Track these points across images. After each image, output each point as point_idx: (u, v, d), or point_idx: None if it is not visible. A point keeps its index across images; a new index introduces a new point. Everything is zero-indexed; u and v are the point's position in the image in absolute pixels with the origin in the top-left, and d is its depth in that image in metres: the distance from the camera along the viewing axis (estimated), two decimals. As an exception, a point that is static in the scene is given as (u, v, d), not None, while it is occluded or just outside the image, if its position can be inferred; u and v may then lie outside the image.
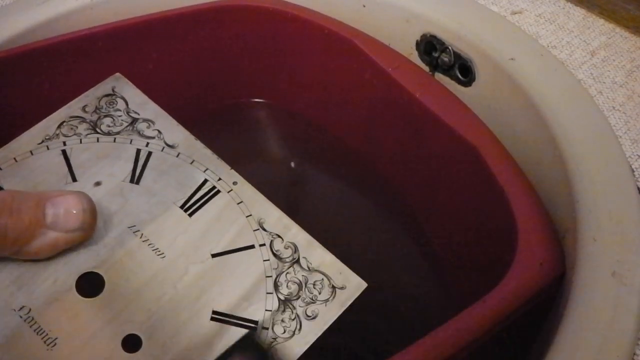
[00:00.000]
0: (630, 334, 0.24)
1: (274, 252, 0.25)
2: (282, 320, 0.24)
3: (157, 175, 0.26)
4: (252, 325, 0.23)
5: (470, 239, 0.36)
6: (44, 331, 0.22)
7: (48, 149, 0.26)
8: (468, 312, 0.26)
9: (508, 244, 0.29)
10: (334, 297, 0.24)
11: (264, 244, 0.25)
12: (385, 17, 0.40)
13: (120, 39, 0.38)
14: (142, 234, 0.24)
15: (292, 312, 0.24)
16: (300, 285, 0.24)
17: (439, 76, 0.39)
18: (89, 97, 0.28)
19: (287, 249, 0.25)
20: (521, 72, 0.34)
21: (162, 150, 0.27)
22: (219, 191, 0.26)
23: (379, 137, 0.41)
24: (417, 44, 0.39)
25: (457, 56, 0.37)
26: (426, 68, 0.39)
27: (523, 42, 0.36)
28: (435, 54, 0.38)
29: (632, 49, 0.41)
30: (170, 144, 0.27)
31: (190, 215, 0.25)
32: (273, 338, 0.23)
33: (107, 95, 0.28)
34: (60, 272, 0.23)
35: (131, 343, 0.22)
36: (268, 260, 0.25)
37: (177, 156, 0.27)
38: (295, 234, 0.25)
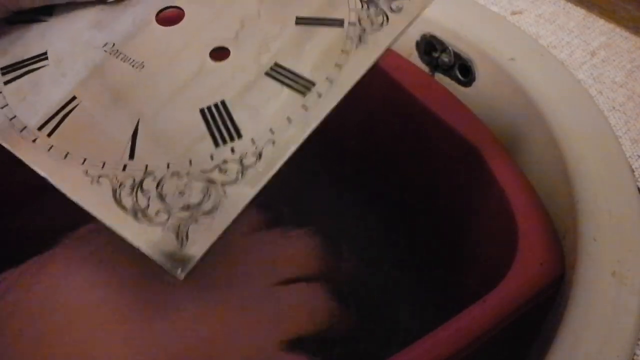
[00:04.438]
0: (630, 334, 0.24)
1: None
2: (368, 16, 0.24)
3: None
4: (338, 24, 0.23)
5: (470, 239, 0.36)
6: (130, 58, 0.22)
7: None
8: (468, 312, 0.26)
9: (508, 244, 0.29)
10: None
11: None
12: (385, 17, 0.40)
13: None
14: None
15: (377, 9, 0.24)
16: None
17: (439, 76, 0.39)
18: None
19: None
20: (521, 72, 0.34)
21: None
22: None
23: (379, 138, 0.41)
24: (417, 44, 0.39)
25: (457, 56, 0.37)
26: (426, 68, 0.39)
27: (523, 42, 0.36)
28: (435, 54, 0.38)
29: (632, 49, 0.41)
30: None
31: None
32: (362, 30, 0.23)
33: None
34: (139, 11, 0.24)
35: (219, 54, 0.23)
36: None
37: None
38: None
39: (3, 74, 0.22)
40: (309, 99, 0.22)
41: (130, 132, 0.21)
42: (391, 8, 0.24)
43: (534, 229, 0.29)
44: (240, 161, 0.20)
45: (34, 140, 0.21)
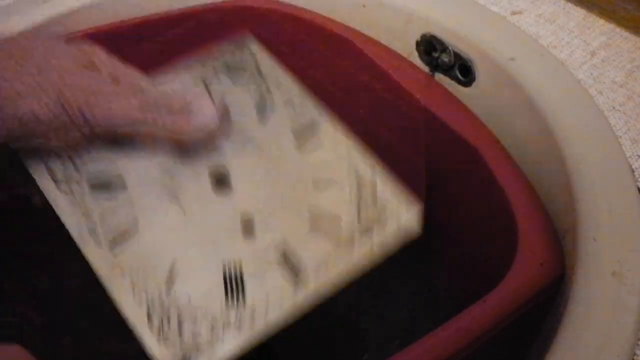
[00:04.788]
0: (630, 334, 0.24)
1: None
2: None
3: (275, 114, 0.32)
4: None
5: (470, 239, 0.36)
6: (182, 209, 0.28)
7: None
8: (468, 312, 0.26)
9: (508, 244, 0.29)
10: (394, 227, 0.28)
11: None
12: (385, 17, 0.40)
13: (120, 40, 0.38)
14: (260, 152, 0.30)
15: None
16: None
17: (439, 76, 0.39)
18: (224, 50, 0.35)
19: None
20: (521, 72, 0.34)
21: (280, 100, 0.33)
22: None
23: (379, 138, 0.41)
24: (417, 44, 0.39)
25: (457, 56, 0.37)
26: (426, 68, 0.39)
27: (523, 42, 0.36)
28: (435, 54, 0.38)
29: (632, 49, 0.41)
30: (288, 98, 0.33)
31: (299, 151, 0.31)
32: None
33: (237, 50, 0.35)
34: (198, 166, 0.29)
35: (249, 228, 0.28)
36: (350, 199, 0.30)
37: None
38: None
39: (91, 188, 0.28)
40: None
41: (168, 268, 0.26)
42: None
43: (534, 229, 0.29)
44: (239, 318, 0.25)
45: (101, 250, 0.26)
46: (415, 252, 0.40)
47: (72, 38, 0.33)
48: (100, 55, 0.31)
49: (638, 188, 0.29)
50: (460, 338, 0.25)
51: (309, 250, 0.27)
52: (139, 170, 0.29)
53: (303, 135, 0.31)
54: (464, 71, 0.37)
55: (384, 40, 0.40)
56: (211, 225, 0.28)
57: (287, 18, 0.41)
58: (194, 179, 0.29)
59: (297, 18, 0.41)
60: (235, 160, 0.30)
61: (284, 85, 0.34)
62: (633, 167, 0.33)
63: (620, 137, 0.35)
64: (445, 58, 0.38)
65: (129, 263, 0.26)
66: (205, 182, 0.29)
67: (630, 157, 0.34)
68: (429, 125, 0.36)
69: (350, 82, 0.41)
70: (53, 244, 0.29)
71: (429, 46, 0.39)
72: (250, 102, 0.32)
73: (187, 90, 0.31)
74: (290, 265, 0.26)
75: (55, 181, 0.28)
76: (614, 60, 0.40)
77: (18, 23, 0.37)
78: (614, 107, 0.37)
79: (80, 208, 0.27)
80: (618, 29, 0.42)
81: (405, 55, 0.40)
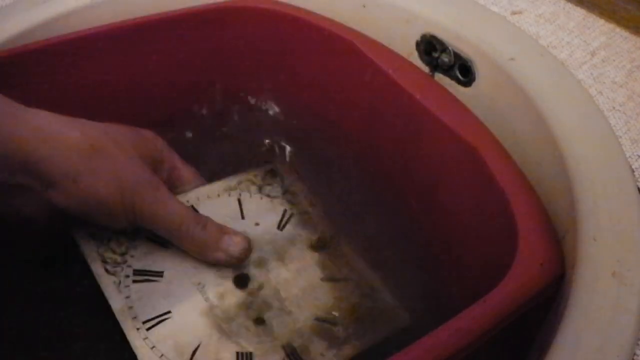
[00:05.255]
0: (630, 334, 0.24)
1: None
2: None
3: (294, 226, 0.37)
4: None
5: (470, 239, 0.36)
6: (210, 299, 0.32)
7: (229, 195, 0.38)
8: (468, 312, 0.26)
9: (508, 244, 0.29)
10: None
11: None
12: (385, 18, 0.40)
13: (120, 40, 0.38)
14: (279, 259, 0.35)
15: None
16: None
17: (439, 76, 0.39)
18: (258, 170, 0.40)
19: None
20: (521, 72, 0.34)
21: (299, 214, 0.38)
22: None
23: (379, 138, 0.41)
24: (417, 44, 0.39)
25: (457, 56, 0.37)
26: (426, 68, 0.39)
27: (523, 42, 0.36)
28: (435, 54, 0.38)
29: (632, 49, 0.41)
30: (305, 211, 0.38)
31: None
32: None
33: (269, 171, 0.40)
34: (225, 277, 0.34)
35: (261, 323, 0.32)
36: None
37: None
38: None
39: (134, 274, 0.33)
40: None
41: (192, 350, 0.30)
42: None
43: (534, 229, 0.29)
44: None
45: (138, 329, 0.30)
46: (415, 252, 0.40)
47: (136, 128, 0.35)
48: (162, 148, 0.35)
49: (638, 188, 0.29)
50: (460, 338, 0.25)
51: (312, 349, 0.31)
52: (175, 262, 0.33)
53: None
54: (464, 71, 0.37)
55: (384, 40, 0.40)
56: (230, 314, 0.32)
57: (286, 18, 0.41)
58: (220, 279, 0.33)
59: (297, 18, 0.41)
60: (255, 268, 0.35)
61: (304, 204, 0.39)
62: (633, 167, 0.33)
63: (620, 137, 0.35)
64: (445, 58, 0.38)
65: (160, 339, 0.30)
66: (229, 282, 0.34)
67: (630, 157, 0.34)
68: (429, 126, 0.36)
69: (350, 83, 0.41)
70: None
71: (429, 46, 0.39)
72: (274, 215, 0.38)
73: (224, 215, 0.36)
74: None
75: (105, 264, 0.33)
76: (614, 60, 0.40)
77: (18, 23, 0.37)
78: (614, 107, 0.37)
79: (124, 291, 0.32)
80: (618, 29, 0.42)
81: (405, 55, 0.40)
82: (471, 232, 0.36)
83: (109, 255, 0.33)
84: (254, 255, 0.35)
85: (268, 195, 0.38)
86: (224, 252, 0.33)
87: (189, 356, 0.30)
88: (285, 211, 0.38)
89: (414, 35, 0.39)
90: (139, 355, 0.30)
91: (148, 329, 0.31)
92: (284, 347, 0.31)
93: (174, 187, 0.36)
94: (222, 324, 0.32)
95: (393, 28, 0.40)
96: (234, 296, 0.33)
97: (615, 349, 0.23)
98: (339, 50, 0.40)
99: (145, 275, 0.33)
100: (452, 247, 0.38)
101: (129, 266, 0.33)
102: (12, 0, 0.39)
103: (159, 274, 0.33)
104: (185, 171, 0.36)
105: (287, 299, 0.33)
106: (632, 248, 0.26)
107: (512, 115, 0.35)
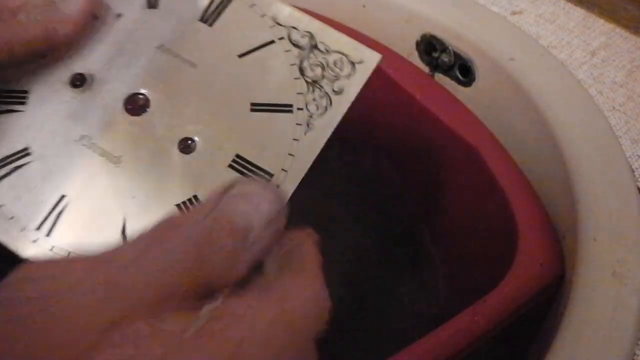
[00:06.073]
0: (630, 334, 0.24)
1: (293, 42, 0.27)
2: (314, 99, 0.26)
3: None
4: (288, 109, 0.26)
5: (470, 239, 0.36)
6: (107, 152, 0.24)
7: None
8: (468, 312, 0.26)
9: (508, 244, 0.29)
10: (354, 72, 0.27)
11: (282, 37, 0.27)
12: (385, 17, 0.40)
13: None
14: (171, 51, 0.27)
15: (321, 91, 0.26)
16: (322, 66, 0.26)
17: (439, 76, 0.39)
18: None
19: (303, 37, 0.27)
20: (521, 72, 0.34)
21: None
22: None
23: (379, 139, 0.41)
24: (417, 44, 0.39)
25: (457, 56, 0.37)
26: (426, 68, 0.39)
27: (523, 42, 0.36)
28: (435, 54, 0.38)
29: (632, 49, 0.41)
30: None
31: (210, 25, 0.27)
32: (309, 116, 0.26)
33: None
34: (108, 100, 0.25)
35: (187, 146, 0.25)
36: (289, 50, 0.27)
37: None
38: (308, 23, 0.27)
39: None
40: None
41: (120, 231, 0.23)
42: (334, 90, 0.26)
43: (534, 229, 0.29)
44: None
45: (34, 241, 0.23)
46: (415, 252, 0.40)
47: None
48: None
49: (638, 188, 0.29)
50: (460, 338, 0.25)
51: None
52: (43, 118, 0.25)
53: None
54: (464, 71, 0.37)
55: (383, 40, 0.40)
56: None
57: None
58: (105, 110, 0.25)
59: (297, 18, 0.41)
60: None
61: None
62: (633, 167, 0.33)
63: (620, 137, 0.35)
64: (445, 58, 0.38)
65: (68, 237, 0.23)
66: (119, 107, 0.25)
67: (630, 157, 0.34)
68: (429, 126, 0.36)
69: (350, 82, 0.41)
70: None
71: (429, 46, 0.39)
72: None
73: None
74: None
75: None
76: (614, 60, 0.40)
77: (18, 23, 0.37)
78: (614, 107, 0.37)
79: None
80: (618, 29, 0.42)
81: (405, 55, 0.40)
82: (471, 232, 0.36)
83: None
84: (138, 62, 0.26)
85: None
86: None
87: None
88: None
89: (414, 35, 0.39)
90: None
91: (48, 234, 0.23)
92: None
93: None
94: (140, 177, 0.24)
95: (393, 28, 0.40)
96: (136, 128, 0.25)
97: (615, 349, 0.23)
98: (339, 50, 0.40)
99: (7, 163, 0.24)
100: (452, 247, 0.38)
101: None
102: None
103: (25, 153, 0.24)
104: None
105: (209, 101, 0.26)
106: (632, 248, 0.26)
107: (512, 115, 0.35)
